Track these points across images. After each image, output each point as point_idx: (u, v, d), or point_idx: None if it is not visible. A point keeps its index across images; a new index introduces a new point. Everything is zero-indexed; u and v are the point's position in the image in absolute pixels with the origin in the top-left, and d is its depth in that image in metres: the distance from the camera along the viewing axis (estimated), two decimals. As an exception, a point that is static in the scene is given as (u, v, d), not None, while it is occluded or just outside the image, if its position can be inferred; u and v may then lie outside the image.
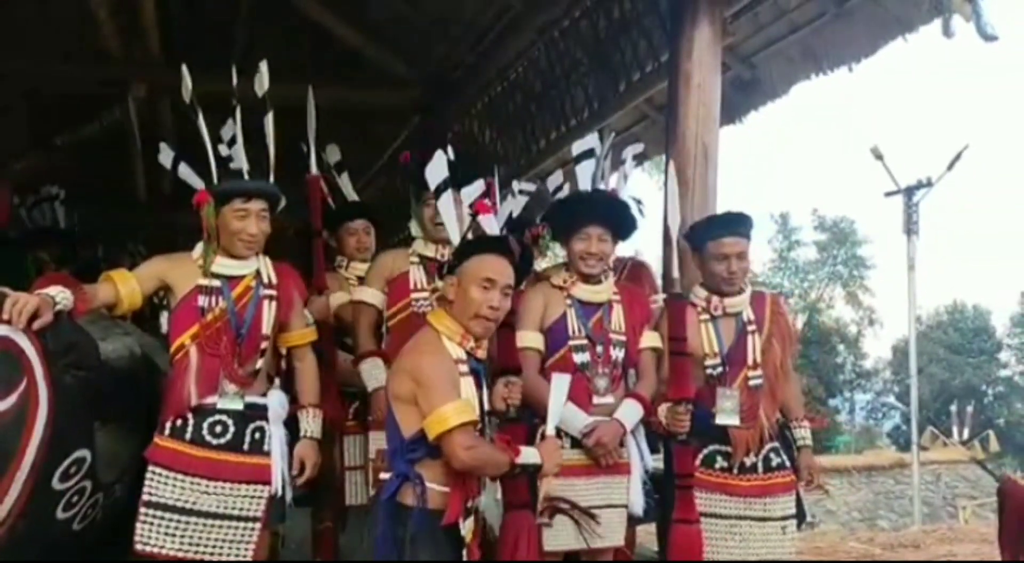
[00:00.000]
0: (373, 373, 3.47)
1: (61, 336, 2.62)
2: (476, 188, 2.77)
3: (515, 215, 3.66)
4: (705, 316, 3.24)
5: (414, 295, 3.47)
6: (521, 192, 3.45)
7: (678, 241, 3.29)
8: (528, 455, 2.52)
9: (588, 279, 3.23)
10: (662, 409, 3.13)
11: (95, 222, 7.27)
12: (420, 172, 3.47)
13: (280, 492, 2.90)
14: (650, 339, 3.31)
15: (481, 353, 2.56)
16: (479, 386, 2.55)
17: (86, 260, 6.42)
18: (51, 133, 8.24)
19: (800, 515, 3.30)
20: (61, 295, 2.64)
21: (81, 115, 8.01)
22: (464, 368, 2.49)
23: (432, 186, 2.81)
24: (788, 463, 3.24)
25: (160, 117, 7.78)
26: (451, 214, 2.69)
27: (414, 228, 3.63)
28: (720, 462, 3.20)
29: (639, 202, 3.46)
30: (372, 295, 3.58)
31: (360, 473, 3.68)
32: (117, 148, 8.33)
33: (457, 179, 2.80)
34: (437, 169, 2.79)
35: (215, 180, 2.94)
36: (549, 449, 2.59)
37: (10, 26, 6.22)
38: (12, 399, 2.52)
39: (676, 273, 3.26)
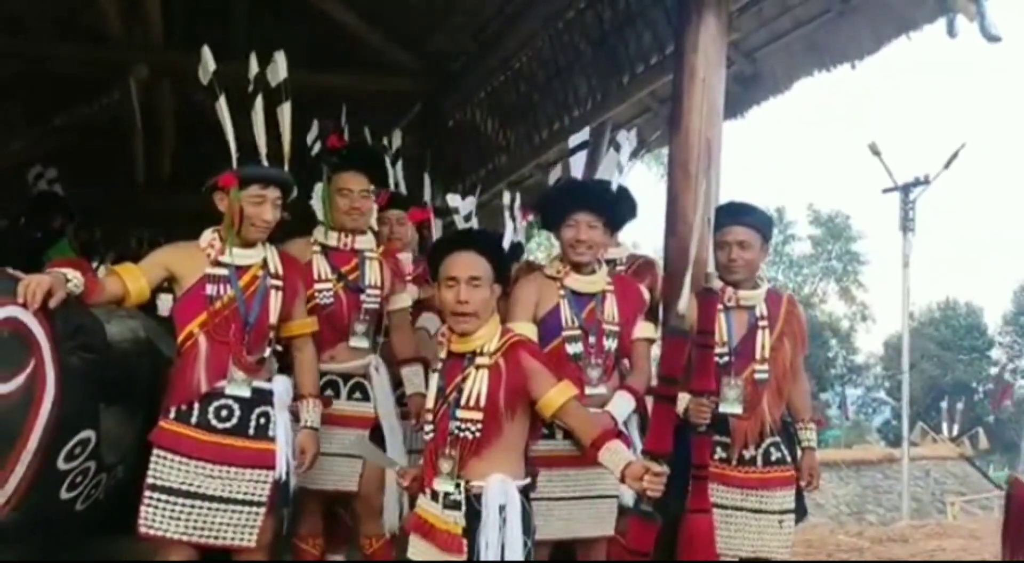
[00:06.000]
0: None
1: (69, 318, 2.65)
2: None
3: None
4: (719, 306, 3.26)
5: (317, 286, 3.34)
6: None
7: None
8: None
9: (581, 269, 3.24)
10: (682, 400, 3.16)
11: (94, 204, 7.27)
12: (342, 154, 3.48)
13: (284, 477, 2.92)
14: (643, 330, 3.33)
15: (456, 346, 2.55)
16: (447, 379, 2.55)
17: (84, 242, 6.45)
18: (50, 114, 8.21)
19: (800, 512, 3.33)
20: (73, 274, 2.66)
21: (81, 96, 7.98)
22: (439, 365, 2.61)
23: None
24: (789, 459, 3.27)
25: (160, 99, 7.77)
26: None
27: (320, 212, 3.51)
28: (719, 453, 3.23)
29: (626, 191, 3.49)
30: None
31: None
32: (117, 130, 8.30)
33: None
34: None
35: (234, 164, 2.94)
36: None
37: (11, 6, 6.19)
38: (20, 380, 2.55)
39: (712, 268, 3.29)
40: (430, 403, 2.59)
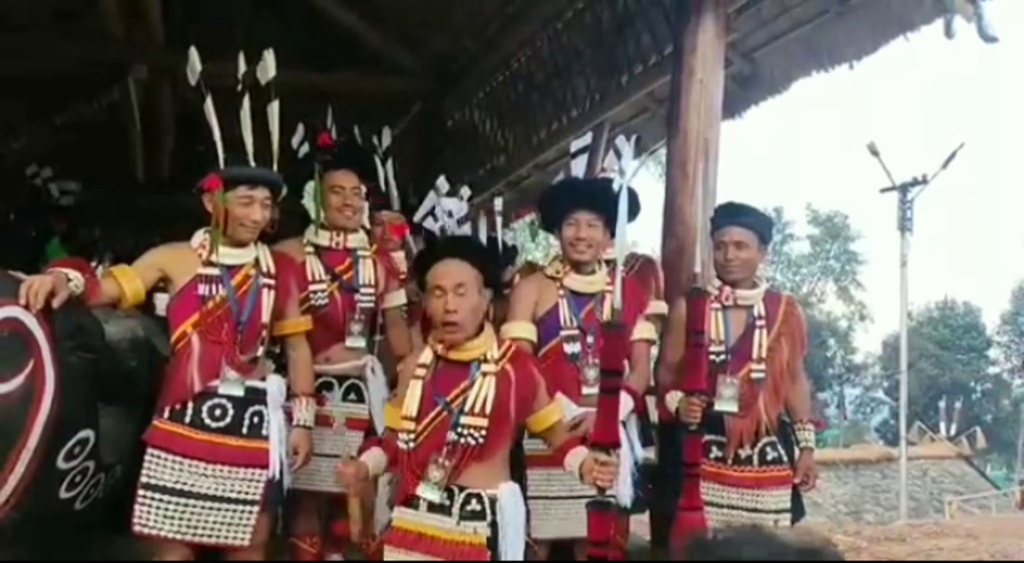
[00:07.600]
0: None
1: (69, 318, 2.66)
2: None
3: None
4: (716, 305, 3.27)
5: (312, 287, 3.34)
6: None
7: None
8: None
9: (581, 269, 3.25)
10: (675, 398, 3.17)
11: (92, 203, 7.26)
12: (334, 152, 3.48)
13: (278, 476, 2.93)
14: (644, 330, 3.34)
15: (455, 355, 2.53)
16: (443, 387, 2.51)
17: (83, 240, 6.46)
18: (50, 113, 8.21)
19: (798, 511, 3.34)
20: (74, 275, 2.67)
21: (81, 96, 7.98)
22: (420, 371, 2.55)
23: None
24: (785, 458, 3.27)
25: (160, 100, 7.77)
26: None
27: (313, 211, 3.50)
28: (715, 452, 3.25)
29: (631, 191, 3.49)
30: None
31: None
32: (116, 130, 8.31)
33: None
34: None
35: (221, 165, 2.94)
36: None
37: (11, 5, 6.20)
38: (19, 379, 2.55)
39: (698, 268, 3.29)
40: (413, 410, 2.51)
